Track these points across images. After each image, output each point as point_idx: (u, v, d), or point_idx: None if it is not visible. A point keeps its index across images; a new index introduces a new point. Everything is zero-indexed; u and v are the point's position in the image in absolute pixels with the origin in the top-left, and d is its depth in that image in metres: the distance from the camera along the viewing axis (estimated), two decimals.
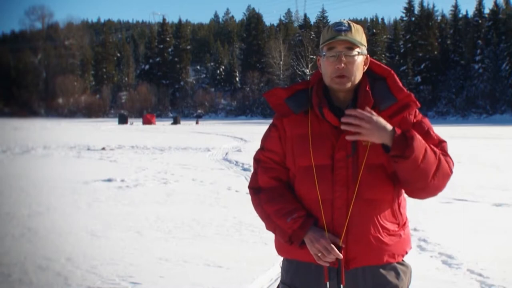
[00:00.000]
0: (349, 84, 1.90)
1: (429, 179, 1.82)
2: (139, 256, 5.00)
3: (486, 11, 62.99)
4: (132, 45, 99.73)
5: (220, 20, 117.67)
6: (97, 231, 6.01)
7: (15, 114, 70.91)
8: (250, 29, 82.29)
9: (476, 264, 4.63)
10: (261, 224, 2.06)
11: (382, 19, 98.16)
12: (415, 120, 1.92)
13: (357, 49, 1.89)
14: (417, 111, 1.96)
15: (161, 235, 5.82)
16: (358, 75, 1.92)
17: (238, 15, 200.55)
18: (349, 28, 1.89)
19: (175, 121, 48.59)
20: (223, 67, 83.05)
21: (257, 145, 2.12)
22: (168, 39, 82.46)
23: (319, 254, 1.85)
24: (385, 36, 72.23)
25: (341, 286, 1.87)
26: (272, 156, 2.01)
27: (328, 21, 77.84)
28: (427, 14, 64.74)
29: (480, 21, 62.07)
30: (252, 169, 2.13)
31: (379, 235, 1.88)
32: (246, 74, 74.35)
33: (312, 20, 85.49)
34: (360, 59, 1.91)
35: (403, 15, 67.54)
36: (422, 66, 62.06)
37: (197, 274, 4.44)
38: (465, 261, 4.72)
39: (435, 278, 4.32)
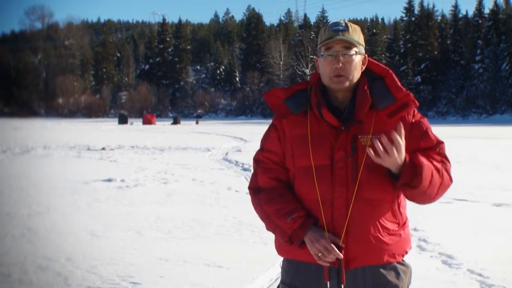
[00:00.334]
0: (347, 84, 1.91)
1: (432, 198, 1.88)
2: (139, 256, 5.00)
3: (486, 11, 63.05)
4: (132, 45, 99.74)
5: (220, 20, 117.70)
6: (97, 231, 6.01)
7: (15, 114, 70.90)
8: (250, 29, 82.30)
9: (476, 264, 4.63)
10: (261, 224, 2.06)
11: (382, 19, 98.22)
12: (413, 120, 1.93)
13: (355, 49, 1.90)
14: (416, 110, 1.96)
15: (161, 235, 5.82)
16: (356, 74, 1.92)
17: (238, 15, 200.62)
18: (346, 28, 1.89)
19: (175, 121, 48.61)
20: (223, 67, 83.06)
21: (257, 145, 2.12)
22: (168, 39, 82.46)
23: (319, 254, 1.85)
24: (385, 36, 72.23)
25: (342, 286, 1.87)
26: (272, 157, 2.01)
27: (328, 21, 77.72)
28: (427, 14, 64.74)
29: (480, 21, 62.07)
30: (252, 169, 2.13)
31: (379, 235, 1.88)
32: (246, 74, 74.36)
33: (312, 20, 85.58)
34: (358, 59, 1.92)
35: (403, 15, 67.57)
36: (422, 66, 62.07)
37: (197, 274, 4.44)
38: (465, 261, 4.72)
39: (435, 278, 4.32)
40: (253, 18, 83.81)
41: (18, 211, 7.17)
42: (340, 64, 1.88)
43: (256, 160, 2.06)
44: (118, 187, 9.34)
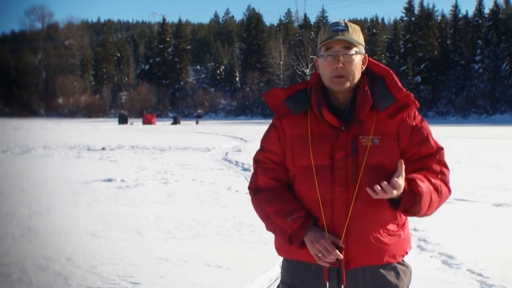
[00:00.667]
0: (348, 84, 1.90)
1: (431, 213, 1.93)
2: (139, 256, 5.00)
3: (486, 11, 63.03)
4: (132, 45, 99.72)
5: (220, 20, 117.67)
6: (97, 231, 6.01)
7: (15, 114, 70.89)
8: (250, 29, 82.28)
9: (476, 264, 4.63)
10: (261, 224, 2.06)
11: (382, 19, 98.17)
12: (414, 124, 1.93)
13: (355, 49, 1.90)
14: (416, 112, 1.96)
15: (161, 235, 5.82)
16: (356, 74, 1.92)
17: (238, 15, 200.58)
18: (346, 28, 1.89)
19: (175, 121, 48.60)
20: (223, 67, 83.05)
21: (257, 145, 2.12)
22: (168, 39, 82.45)
23: (319, 255, 1.85)
24: (385, 36, 72.22)
25: (342, 286, 1.87)
26: (272, 157, 2.01)
27: (328, 21, 77.69)
28: (427, 14, 64.73)
29: (480, 21, 62.06)
30: (252, 169, 2.13)
31: (379, 235, 1.88)
32: (246, 74, 74.35)
33: (312, 20, 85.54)
34: (358, 59, 1.92)
35: (403, 15, 67.56)
36: (422, 66, 62.06)
37: (197, 274, 4.44)
38: (465, 261, 4.72)
39: (435, 278, 4.32)
40: (253, 18, 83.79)
41: (18, 211, 7.17)
42: (340, 64, 1.88)
43: (256, 160, 2.06)
44: (118, 187, 9.34)
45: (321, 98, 1.93)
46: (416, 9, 66.06)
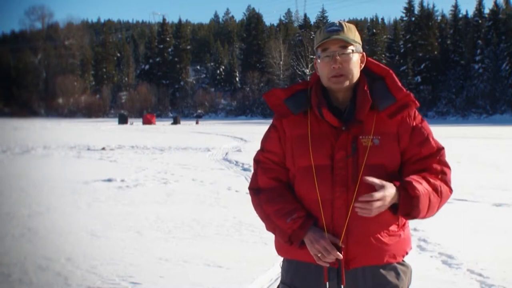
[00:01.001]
0: (347, 83, 1.91)
1: (433, 214, 1.93)
2: (139, 256, 5.00)
3: (486, 11, 63.02)
4: (132, 45, 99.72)
5: (220, 20, 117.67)
6: (97, 231, 6.01)
7: (15, 114, 70.91)
8: (250, 29, 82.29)
9: (476, 264, 4.63)
10: (261, 224, 2.06)
11: (382, 19, 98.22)
12: (414, 124, 1.93)
13: (351, 47, 1.90)
14: (417, 112, 1.96)
15: (161, 235, 5.82)
16: (355, 73, 1.92)
17: (238, 15, 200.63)
18: (341, 28, 1.90)
19: (175, 121, 48.61)
20: (223, 67, 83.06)
21: (257, 145, 2.12)
22: (168, 39, 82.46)
23: (319, 255, 1.85)
24: (385, 36, 72.22)
25: (342, 286, 1.87)
26: (272, 157, 2.01)
27: (328, 21, 77.70)
28: (427, 14, 64.73)
29: (480, 21, 62.06)
30: (252, 169, 2.13)
31: (379, 235, 1.88)
32: (246, 74, 74.36)
33: (312, 20, 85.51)
34: (355, 57, 1.92)
35: (403, 15, 67.56)
36: (422, 66, 62.06)
37: (197, 274, 4.44)
38: (465, 261, 4.72)
39: (435, 278, 4.32)
40: (253, 18, 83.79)
41: (18, 211, 7.17)
42: (338, 64, 1.88)
43: (256, 160, 2.06)
44: (118, 187, 9.34)
45: (321, 98, 1.93)
46: (416, 9, 66.12)
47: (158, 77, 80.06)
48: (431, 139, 1.93)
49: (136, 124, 47.72)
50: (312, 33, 70.13)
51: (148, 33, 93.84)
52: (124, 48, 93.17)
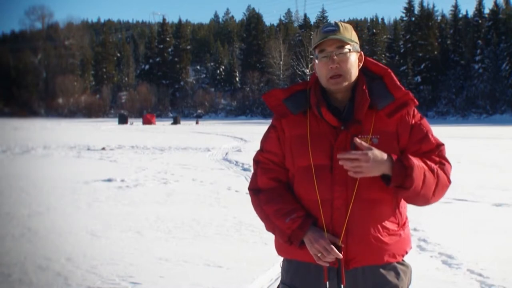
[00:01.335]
0: (345, 83, 1.91)
1: (429, 198, 1.88)
2: (139, 256, 5.00)
3: (486, 11, 63.05)
4: (132, 45, 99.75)
5: (220, 20, 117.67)
6: (97, 231, 6.01)
7: (15, 114, 70.90)
8: (250, 29, 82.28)
9: (476, 264, 4.63)
10: (261, 224, 2.06)
11: (382, 19, 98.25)
12: (413, 121, 1.93)
13: (348, 46, 1.90)
14: (416, 110, 1.96)
15: (161, 235, 5.82)
16: (353, 72, 1.92)
17: (238, 15, 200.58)
18: (337, 28, 1.90)
19: (175, 121, 48.61)
20: (223, 67, 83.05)
21: (257, 145, 2.12)
22: (168, 39, 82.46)
23: (318, 255, 1.85)
24: (385, 36, 72.22)
25: (342, 286, 1.87)
26: (271, 157, 2.01)
27: (328, 21, 77.52)
28: (427, 14, 64.73)
29: (480, 21, 62.07)
30: (252, 169, 2.13)
31: (379, 235, 1.88)
32: (246, 74, 74.36)
33: (312, 20, 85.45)
34: (353, 57, 1.92)
35: (403, 15, 67.54)
36: (422, 66, 62.06)
37: (197, 274, 4.44)
38: (465, 261, 4.72)
39: (435, 278, 4.32)
40: (253, 18, 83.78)
41: (18, 211, 7.17)
42: (336, 64, 1.88)
43: (256, 160, 2.06)
44: (118, 187, 9.34)
45: (320, 98, 1.93)
46: (416, 9, 66.11)
47: (158, 77, 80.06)
48: (430, 136, 1.93)
49: (136, 124, 47.73)
50: (312, 33, 70.08)
51: (148, 33, 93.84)
52: (124, 48, 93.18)
